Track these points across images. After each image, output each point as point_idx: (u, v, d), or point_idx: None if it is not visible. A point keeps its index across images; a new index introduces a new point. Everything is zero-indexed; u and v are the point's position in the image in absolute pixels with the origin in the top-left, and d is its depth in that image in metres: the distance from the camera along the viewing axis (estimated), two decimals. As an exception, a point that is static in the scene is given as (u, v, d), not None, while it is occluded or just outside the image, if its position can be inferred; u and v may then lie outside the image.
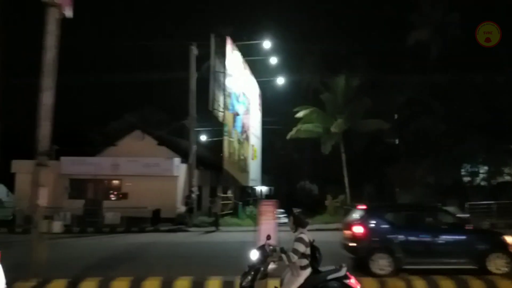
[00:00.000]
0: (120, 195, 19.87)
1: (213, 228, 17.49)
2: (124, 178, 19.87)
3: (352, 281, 4.89)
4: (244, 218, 21.62)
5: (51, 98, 7.04)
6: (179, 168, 19.96)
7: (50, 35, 6.99)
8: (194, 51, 19.88)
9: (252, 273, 4.75)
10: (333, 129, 25.01)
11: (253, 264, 4.82)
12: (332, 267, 4.96)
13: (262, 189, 42.93)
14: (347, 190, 25.11)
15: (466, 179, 28.47)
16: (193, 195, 19.45)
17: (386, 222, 8.04)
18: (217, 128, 24.58)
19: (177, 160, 19.84)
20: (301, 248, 4.73)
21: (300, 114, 26.36)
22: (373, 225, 7.96)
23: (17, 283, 6.54)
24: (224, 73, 21.58)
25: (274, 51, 28.19)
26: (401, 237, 7.78)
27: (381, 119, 25.64)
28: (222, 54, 22.06)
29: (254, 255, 4.85)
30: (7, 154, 29.41)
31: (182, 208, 19.50)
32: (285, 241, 5.89)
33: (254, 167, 29.98)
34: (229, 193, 20.19)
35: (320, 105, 26.42)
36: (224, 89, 21.71)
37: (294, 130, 26.70)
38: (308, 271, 4.78)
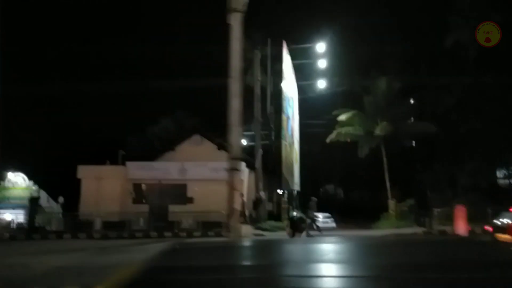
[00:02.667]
0: (186, 200, 19.84)
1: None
2: (189, 182, 19.87)
3: None
4: None
5: (239, 104, 7.08)
6: (244, 173, 19.98)
7: (235, 41, 7.02)
8: (258, 55, 19.94)
9: None
10: (377, 131, 25.08)
11: None
12: None
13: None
14: (389, 193, 25.23)
15: (503, 181, 28.61)
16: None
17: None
18: (263, 131, 24.65)
19: (243, 164, 19.84)
20: None
21: (342, 117, 26.46)
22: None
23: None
24: (281, 76, 21.69)
25: (310, 53, 28.37)
26: None
27: (427, 122, 25.78)
28: (277, 58, 22.19)
29: None
30: (50, 161, 29.42)
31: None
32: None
33: (296, 171, 29.99)
34: (285, 197, 20.26)
35: (357, 108, 26.48)
36: (280, 92, 21.81)
37: (334, 133, 26.75)
38: None
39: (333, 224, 24.90)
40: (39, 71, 32.73)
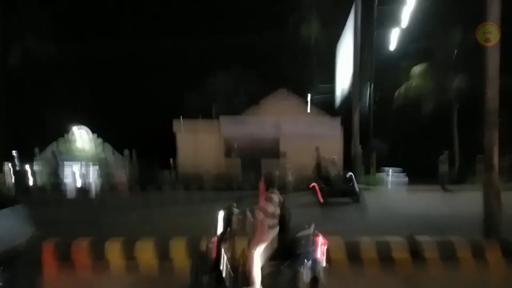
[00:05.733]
0: (279, 154, 19.71)
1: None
2: (282, 137, 19.62)
3: (320, 238, 4.84)
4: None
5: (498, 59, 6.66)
6: (337, 128, 19.68)
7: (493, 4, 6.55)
8: (359, 3, 18.85)
9: (219, 233, 4.64)
10: (455, 84, 24.41)
11: (218, 224, 4.73)
12: (301, 226, 4.93)
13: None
14: (456, 150, 24.98)
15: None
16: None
17: None
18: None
19: (339, 120, 19.52)
20: (270, 207, 4.67)
21: (416, 70, 25.75)
22: None
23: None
24: (372, 30, 20.69)
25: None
26: None
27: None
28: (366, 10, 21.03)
29: (220, 215, 4.74)
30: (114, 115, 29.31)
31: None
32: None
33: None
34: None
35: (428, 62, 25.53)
36: (371, 47, 20.92)
37: (404, 86, 26.10)
38: (275, 230, 4.75)
39: (406, 179, 24.80)
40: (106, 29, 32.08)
